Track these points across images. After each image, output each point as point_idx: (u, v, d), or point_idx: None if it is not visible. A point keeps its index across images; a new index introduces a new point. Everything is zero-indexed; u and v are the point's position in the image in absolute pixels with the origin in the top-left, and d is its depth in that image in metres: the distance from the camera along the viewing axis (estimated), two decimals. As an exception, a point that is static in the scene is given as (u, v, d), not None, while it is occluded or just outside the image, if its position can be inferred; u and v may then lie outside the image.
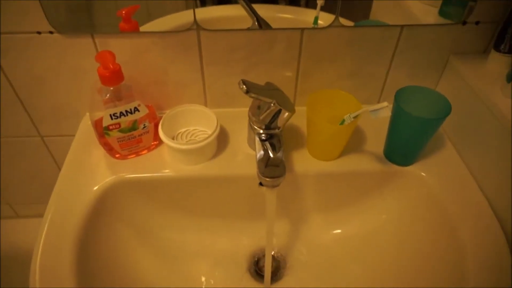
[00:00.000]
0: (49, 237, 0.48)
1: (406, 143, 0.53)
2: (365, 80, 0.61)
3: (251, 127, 0.53)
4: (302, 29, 0.54)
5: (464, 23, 0.55)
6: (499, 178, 0.50)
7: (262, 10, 0.52)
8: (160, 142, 0.58)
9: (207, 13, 0.52)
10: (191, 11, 0.51)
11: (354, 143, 0.59)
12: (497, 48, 0.54)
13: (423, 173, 0.55)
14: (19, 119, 0.63)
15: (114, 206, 0.54)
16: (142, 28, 0.52)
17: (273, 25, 0.53)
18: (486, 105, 0.51)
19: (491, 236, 0.48)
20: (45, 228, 0.48)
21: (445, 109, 0.49)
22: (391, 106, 0.45)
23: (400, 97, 0.50)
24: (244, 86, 0.42)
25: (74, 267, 0.46)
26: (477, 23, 0.55)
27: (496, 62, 0.55)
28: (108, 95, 0.50)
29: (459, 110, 0.56)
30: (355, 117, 0.48)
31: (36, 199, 0.78)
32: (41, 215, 0.49)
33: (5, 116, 0.62)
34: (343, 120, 0.49)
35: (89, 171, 0.54)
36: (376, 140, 0.59)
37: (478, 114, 0.53)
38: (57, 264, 0.45)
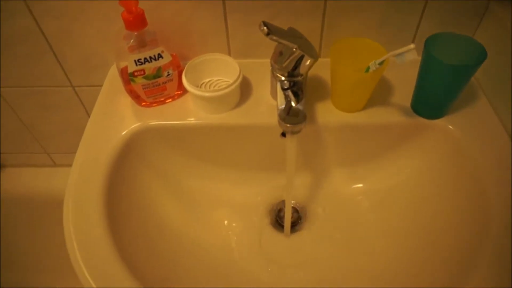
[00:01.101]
0: (80, 180, 0.51)
1: (436, 94, 0.51)
2: (395, 31, 0.58)
3: (273, 76, 0.53)
4: (330, -27, 0.51)
5: (509, -37, 0.50)
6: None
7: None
8: (184, 91, 0.59)
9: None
10: None
11: (380, 94, 0.57)
12: (545, -9, 0.50)
13: (451, 127, 0.53)
14: (52, 70, 0.65)
15: (140, 151, 0.56)
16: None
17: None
18: (527, 53, 0.48)
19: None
20: (77, 172, 0.51)
21: (480, 56, 0.46)
22: (418, 49, 0.43)
23: (430, 44, 0.48)
24: (265, 28, 0.41)
25: (103, 208, 0.48)
26: (524, -37, 0.50)
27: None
28: (132, 41, 0.50)
29: (496, 60, 0.53)
30: (380, 64, 0.46)
31: (71, 149, 0.82)
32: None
33: (40, 66, 0.65)
34: (368, 68, 0.47)
35: (117, 118, 0.56)
36: (404, 92, 0.57)
37: (517, 64, 0.50)
38: (88, 205, 0.48)
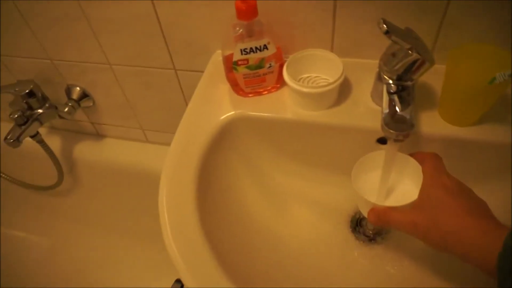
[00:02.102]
0: (177, 158, 0.53)
1: None
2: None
3: (379, 78, 0.50)
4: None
5: None
6: None
7: None
8: (282, 85, 0.59)
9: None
10: None
11: (497, 109, 0.51)
12: None
13: None
14: (159, 51, 0.69)
15: (233, 139, 0.57)
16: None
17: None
18: None
19: None
20: (175, 150, 0.54)
21: None
22: None
23: None
24: (385, 26, 0.39)
25: (194, 189, 0.50)
26: None
27: None
28: (241, 30, 0.51)
29: None
30: (510, 76, 0.41)
31: (164, 128, 0.88)
32: (167, 144, 0.55)
33: (149, 46, 0.69)
34: (494, 78, 0.42)
35: (215, 104, 0.58)
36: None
37: None
38: (182, 183, 0.51)
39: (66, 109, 0.83)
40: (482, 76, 0.44)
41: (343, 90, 0.57)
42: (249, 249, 0.53)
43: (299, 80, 0.58)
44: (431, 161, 0.44)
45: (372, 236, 0.58)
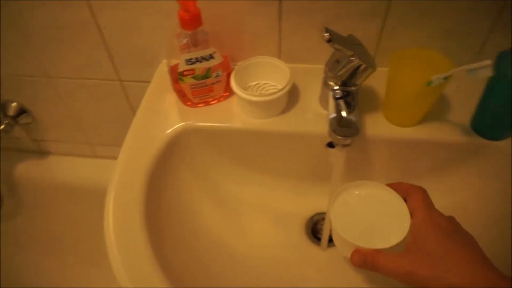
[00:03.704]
0: (123, 174, 0.51)
1: (502, 113, 0.47)
2: (459, 42, 0.54)
3: (325, 84, 0.51)
4: (395, -22, 0.49)
5: None
6: None
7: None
8: (230, 94, 0.58)
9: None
10: None
11: (437, 110, 0.53)
12: None
13: (517, 150, 0.49)
14: (102, 62, 0.66)
15: (182, 151, 0.56)
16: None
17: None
18: None
19: None
20: (121, 165, 0.51)
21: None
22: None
23: (502, 60, 0.44)
24: (327, 34, 0.40)
25: (143, 204, 0.48)
26: None
27: None
28: (185, 40, 0.50)
29: None
30: (445, 78, 0.43)
31: (113, 141, 0.84)
32: (116, 157, 0.52)
33: (91, 58, 0.66)
34: (431, 81, 0.44)
35: (162, 116, 0.56)
36: (463, 109, 0.53)
37: None
38: (129, 200, 0.48)
39: (2, 127, 0.77)
40: (420, 79, 0.46)
41: (292, 96, 0.57)
42: (204, 263, 0.51)
43: (247, 88, 0.58)
44: (417, 196, 0.41)
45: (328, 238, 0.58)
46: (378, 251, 0.39)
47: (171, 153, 0.54)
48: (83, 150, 0.88)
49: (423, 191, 0.41)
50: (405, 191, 0.43)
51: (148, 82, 0.62)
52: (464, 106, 0.53)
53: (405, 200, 0.43)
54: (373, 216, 0.44)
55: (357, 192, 0.46)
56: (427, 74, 0.45)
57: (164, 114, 0.56)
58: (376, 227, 0.43)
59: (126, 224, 0.46)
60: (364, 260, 0.39)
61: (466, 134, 0.51)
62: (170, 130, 0.54)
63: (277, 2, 0.53)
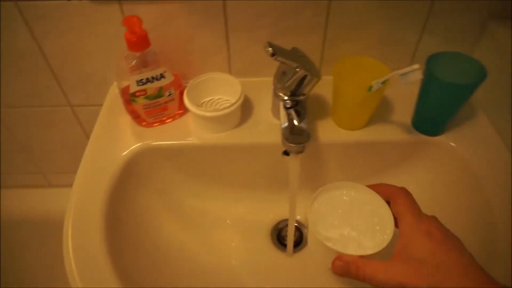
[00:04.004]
0: (80, 201, 0.49)
1: (436, 111, 0.51)
2: (395, 47, 0.59)
3: (275, 95, 0.53)
4: (330, -7, 0.52)
5: (504, -16, 0.52)
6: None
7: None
8: (185, 111, 0.58)
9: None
10: None
11: (381, 112, 0.57)
12: (539, 11, 0.51)
13: (453, 144, 0.54)
14: (50, 89, 0.64)
15: (140, 172, 0.55)
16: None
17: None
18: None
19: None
20: (76, 194, 0.50)
21: (480, 75, 0.47)
22: (422, 69, 0.43)
23: (432, 62, 0.48)
24: (271, 49, 0.42)
25: (103, 230, 0.47)
26: (518, -17, 0.52)
27: (538, 26, 0.52)
28: (134, 62, 0.50)
29: (495, 78, 0.53)
30: (383, 83, 0.47)
31: (68, 169, 0.81)
32: (72, 185, 0.51)
33: (38, 85, 0.64)
34: (371, 86, 0.48)
35: (117, 139, 0.56)
36: (404, 109, 0.57)
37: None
38: (88, 227, 0.47)
39: None
40: (362, 85, 0.49)
41: (246, 109, 0.59)
42: (170, 280, 0.51)
43: (201, 104, 0.59)
44: (403, 200, 0.38)
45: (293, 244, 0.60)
46: (363, 258, 0.37)
47: (129, 175, 0.54)
48: (36, 181, 0.84)
49: (407, 193, 0.39)
50: (388, 193, 0.41)
51: (100, 105, 0.61)
52: (405, 106, 0.57)
53: (388, 203, 0.41)
54: (354, 220, 0.42)
55: (336, 194, 0.44)
56: (367, 80, 0.49)
57: (119, 136, 0.56)
58: (357, 232, 0.41)
59: (86, 252, 0.45)
60: (347, 269, 0.37)
61: (408, 132, 0.55)
62: (126, 152, 0.53)
63: (222, 20, 0.55)
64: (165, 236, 0.57)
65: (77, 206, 0.49)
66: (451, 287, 0.32)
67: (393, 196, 0.40)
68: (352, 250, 0.39)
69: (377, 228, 0.41)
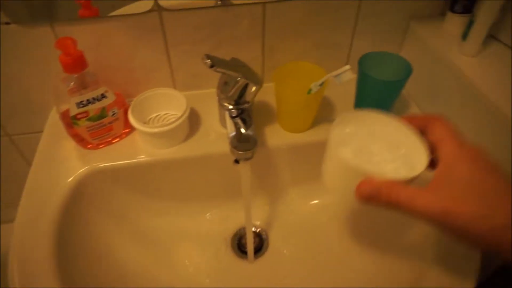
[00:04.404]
0: (25, 236, 0.47)
1: (372, 107, 0.54)
2: (331, 51, 0.62)
3: (221, 105, 0.53)
4: (264, 3, 0.54)
5: (420, -13, 0.57)
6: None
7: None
8: (132, 129, 0.58)
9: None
10: None
11: (324, 113, 0.60)
12: (452, 9, 0.56)
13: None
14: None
15: (90, 196, 0.54)
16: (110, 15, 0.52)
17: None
18: (445, 63, 0.53)
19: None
20: (20, 228, 0.47)
21: (407, 71, 0.50)
22: (354, 69, 0.46)
23: (363, 62, 0.52)
24: (209, 61, 0.42)
25: (53, 262, 0.45)
26: (431, -14, 0.57)
27: (452, 22, 0.57)
28: (72, 84, 0.49)
29: (421, 72, 0.58)
30: (321, 85, 0.49)
31: (12, 202, 0.76)
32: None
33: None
34: (310, 89, 0.50)
35: (61, 165, 0.53)
36: (345, 107, 0.60)
37: (438, 74, 0.55)
38: (36, 260, 0.45)
39: None
40: (302, 89, 0.51)
41: (194, 122, 0.59)
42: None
43: (148, 121, 0.58)
44: (442, 125, 0.34)
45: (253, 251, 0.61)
46: (396, 182, 0.32)
47: (79, 200, 0.52)
48: (-23, 218, 0.78)
49: (446, 120, 0.34)
50: (422, 122, 0.35)
51: (41, 132, 0.58)
52: (346, 105, 0.60)
53: (423, 134, 0.35)
54: (383, 146, 0.36)
55: (364, 119, 0.39)
56: (306, 83, 0.51)
57: (63, 162, 0.54)
58: (387, 158, 0.35)
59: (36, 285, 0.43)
60: (377, 193, 0.32)
61: (351, 130, 0.58)
62: (71, 178, 0.51)
63: (161, 35, 0.55)
64: (124, 259, 0.55)
65: (22, 241, 0.46)
66: (502, 213, 0.28)
67: (429, 123, 0.34)
68: (382, 173, 0.33)
69: (409, 155, 0.35)
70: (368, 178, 0.33)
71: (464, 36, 0.52)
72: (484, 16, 0.49)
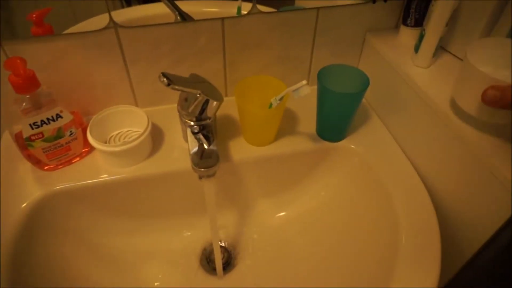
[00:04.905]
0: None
1: (334, 119, 0.56)
2: (293, 64, 0.63)
3: (182, 121, 0.53)
4: (222, 19, 0.54)
5: (374, 1, 0.58)
6: (417, 139, 0.54)
7: (187, 6, 0.53)
8: (92, 148, 0.56)
9: (131, 13, 0.52)
10: (115, 11, 0.50)
11: (288, 126, 0.61)
12: (405, 22, 0.59)
13: (353, 146, 0.58)
14: None
15: (50, 220, 0.51)
16: (65, 32, 0.50)
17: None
18: (400, 74, 0.55)
19: (417, 194, 0.52)
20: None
21: (364, 83, 0.52)
22: (311, 84, 0.47)
23: (322, 76, 0.53)
24: (165, 79, 0.42)
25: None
26: (385, 0, 0.59)
27: (406, 35, 0.59)
28: (25, 104, 0.47)
29: (379, 83, 0.60)
30: (280, 99, 0.49)
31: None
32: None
33: None
34: (271, 104, 0.50)
35: (15, 189, 0.51)
36: (308, 120, 0.61)
37: (394, 84, 0.57)
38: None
39: None
40: (263, 103, 0.52)
41: (157, 138, 0.58)
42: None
43: (109, 139, 0.57)
44: None
45: (223, 267, 0.60)
46: None
47: (36, 226, 0.49)
48: None
49: None
50: None
51: (-6, 155, 0.56)
52: (309, 117, 0.61)
53: None
54: None
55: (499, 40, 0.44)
56: (267, 97, 0.52)
57: (18, 186, 0.51)
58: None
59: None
60: (502, 95, 0.35)
61: (314, 141, 0.59)
62: (25, 204, 0.49)
63: (119, 51, 0.54)
64: (91, 280, 0.53)
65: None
66: None
67: None
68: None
69: None
70: (494, 85, 0.37)
71: (416, 48, 0.54)
72: (433, 29, 0.51)
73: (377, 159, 0.57)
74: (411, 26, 0.58)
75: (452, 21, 0.52)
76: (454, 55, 0.55)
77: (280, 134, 0.59)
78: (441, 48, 0.56)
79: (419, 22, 0.57)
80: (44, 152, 0.51)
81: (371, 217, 0.55)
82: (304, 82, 0.44)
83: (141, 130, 0.53)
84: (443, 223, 0.49)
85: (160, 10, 0.53)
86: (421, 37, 0.53)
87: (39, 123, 0.48)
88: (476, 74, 0.41)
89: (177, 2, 0.52)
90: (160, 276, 0.58)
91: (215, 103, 0.49)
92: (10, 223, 0.48)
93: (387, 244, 0.50)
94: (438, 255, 0.45)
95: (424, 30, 0.52)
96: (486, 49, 0.43)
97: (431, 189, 0.53)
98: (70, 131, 0.51)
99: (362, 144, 0.59)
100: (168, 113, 0.60)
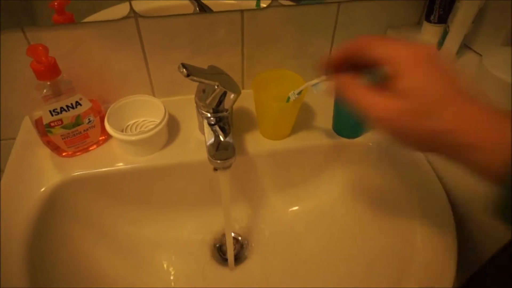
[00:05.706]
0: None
1: (349, 116, 0.55)
2: (311, 59, 0.63)
3: (199, 113, 0.53)
4: (242, 11, 0.54)
5: (397, -4, 0.57)
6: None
7: (206, -3, 0.52)
8: (109, 136, 0.57)
9: (150, 3, 0.52)
10: (135, 0, 0.50)
11: (304, 120, 0.60)
12: (428, 19, 0.57)
13: (370, 144, 0.58)
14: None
15: (66, 206, 0.52)
16: (85, 21, 0.51)
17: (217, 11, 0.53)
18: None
19: (434, 193, 0.51)
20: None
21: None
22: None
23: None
24: (185, 70, 0.42)
25: (25, 277, 0.43)
26: (408, -4, 0.58)
27: (429, 32, 0.58)
28: (45, 91, 0.48)
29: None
30: (299, 94, 0.49)
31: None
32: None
33: None
34: (288, 98, 0.50)
35: (34, 174, 0.52)
36: (324, 115, 0.60)
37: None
38: (7, 275, 0.43)
39: None
40: (280, 97, 0.51)
41: (173, 129, 0.59)
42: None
43: (126, 128, 0.57)
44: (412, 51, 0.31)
45: (234, 258, 0.60)
46: (358, 82, 0.33)
47: (54, 211, 0.50)
48: None
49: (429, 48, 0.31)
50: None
51: (14, 139, 0.57)
52: (325, 113, 0.60)
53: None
54: None
55: None
56: (285, 92, 0.51)
57: (37, 171, 0.52)
58: None
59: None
60: (343, 83, 0.34)
61: (330, 137, 0.58)
62: (44, 188, 0.50)
63: (138, 41, 0.54)
64: (103, 268, 0.54)
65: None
66: (458, 112, 0.28)
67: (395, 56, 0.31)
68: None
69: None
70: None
71: (440, 45, 0.53)
72: (458, 26, 0.50)
73: (394, 157, 0.56)
74: (435, 23, 0.56)
75: (478, 18, 0.50)
76: (478, 53, 0.54)
77: (296, 128, 0.58)
78: (465, 45, 0.55)
79: (443, 18, 0.55)
80: (62, 138, 0.51)
81: (386, 215, 0.55)
82: (324, 77, 0.44)
83: (158, 120, 0.54)
84: (460, 221, 0.48)
85: (179, 0, 0.53)
86: (445, 34, 0.52)
87: (58, 110, 0.48)
88: (489, 78, 0.41)
89: (197, -7, 0.52)
90: (171, 265, 0.59)
91: (232, 95, 0.49)
92: (30, 207, 0.48)
93: (401, 243, 0.49)
94: (454, 255, 0.44)
95: (448, 27, 0.51)
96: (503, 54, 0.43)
97: (448, 188, 0.52)
98: (89, 119, 0.52)
99: (379, 141, 0.58)
100: (185, 104, 0.61)
